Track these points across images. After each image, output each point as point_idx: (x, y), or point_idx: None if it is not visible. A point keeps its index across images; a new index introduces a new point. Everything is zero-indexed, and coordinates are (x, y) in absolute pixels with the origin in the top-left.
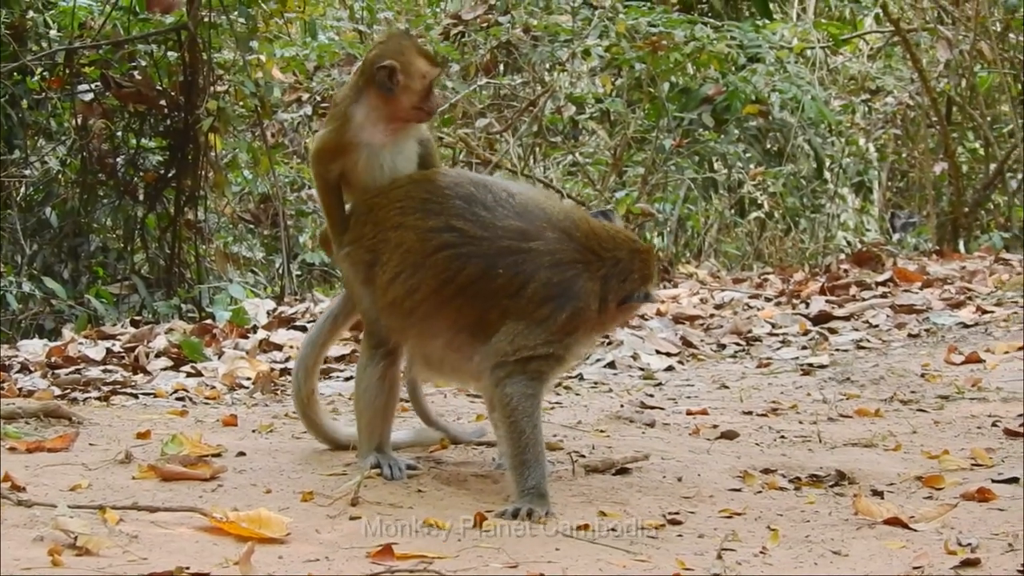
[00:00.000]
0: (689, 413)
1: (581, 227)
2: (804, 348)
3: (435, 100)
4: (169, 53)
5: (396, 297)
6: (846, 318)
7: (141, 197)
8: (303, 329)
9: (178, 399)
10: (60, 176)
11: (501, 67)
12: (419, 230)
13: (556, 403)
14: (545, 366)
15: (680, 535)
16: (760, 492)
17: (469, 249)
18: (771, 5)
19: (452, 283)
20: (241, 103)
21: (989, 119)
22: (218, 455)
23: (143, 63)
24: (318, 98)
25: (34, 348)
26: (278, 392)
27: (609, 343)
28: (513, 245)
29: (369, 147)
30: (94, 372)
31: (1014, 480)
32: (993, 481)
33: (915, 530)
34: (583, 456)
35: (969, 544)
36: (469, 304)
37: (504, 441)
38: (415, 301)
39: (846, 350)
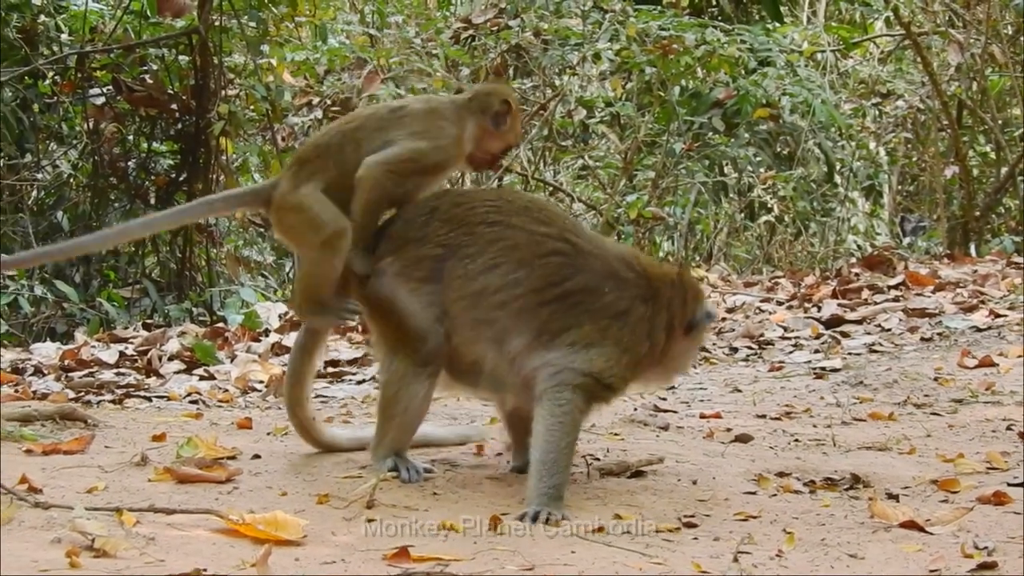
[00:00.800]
0: (703, 416)
1: (641, 261)
2: (816, 352)
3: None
4: (180, 57)
5: (488, 287)
6: (858, 322)
7: (152, 201)
8: None
9: (191, 402)
10: (71, 180)
11: (511, 71)
12: (530, 232)
13: None
14: (606, 393)
15: (695, 538)
16: (775, 495)
17: (580, 263)
18: (781, 9)
19: (557, 287)
20: (252, 107)
21: (1000, 123)
22: (233, 458)
23: (154, 67)
24: (328, 102)
25: (47, 351)
26: None
27: None
28: (615, 270)
29: (456, 171)
30: (107, 375)
31: None
32: (1009, 484)
33: (931, 533)
34: (597, 459)
35: (986, 547)
36: (566, 313)
37: (538, 442)
38: (512, 295)
39: (859, 354)
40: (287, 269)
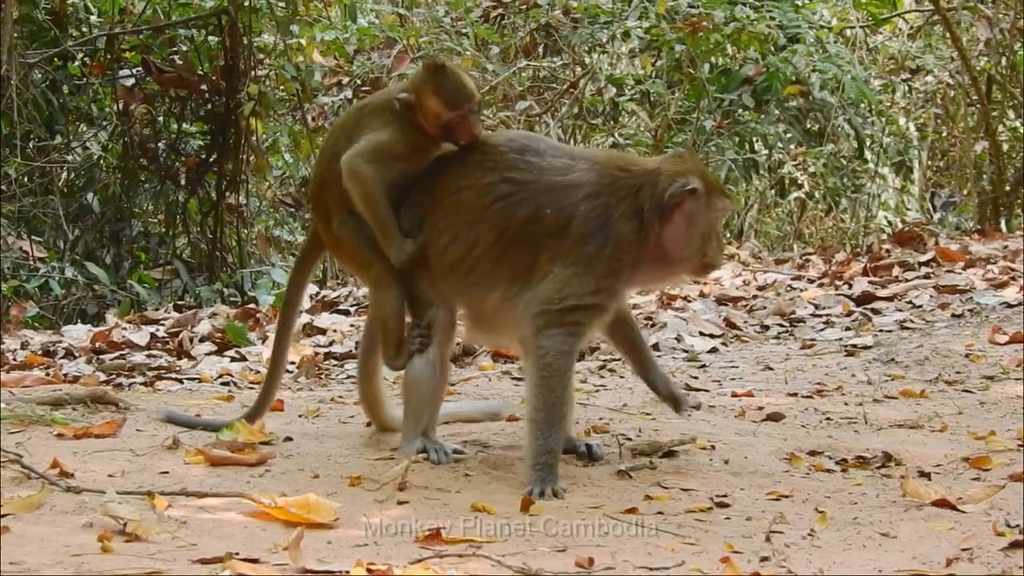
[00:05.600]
0: (734, 395)
1: (607, 155)
2: (848, 329)
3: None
4: (210, 38)
5: (456, 258)
6: (889, 299)
7: (183, 182)
8: (346, 313)
9: (223, 384)
10: (102, 161)
11: (541, 49)
12: (477, 188)
13: (601, 386)
14: (586, 317)
15: (728, 518)
16: (807, 474)
17: (521, 195)
18: None
19: (507, 232)
20: (282, 87)
21: None
22: (268, 442)
23: (184, 48)
24: (358, 81)
25: (78, 334)
26: (323, 376)
27: (652, 325)
28: (557, 181)
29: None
30: (139, 357)
31: None
32: None
33: (963, 512)
34: (629, 439)
35: (1017, 525)
36: (522, 251)
37: (530, 394)
38: (475, 257)
39: (890, 331)
40: None
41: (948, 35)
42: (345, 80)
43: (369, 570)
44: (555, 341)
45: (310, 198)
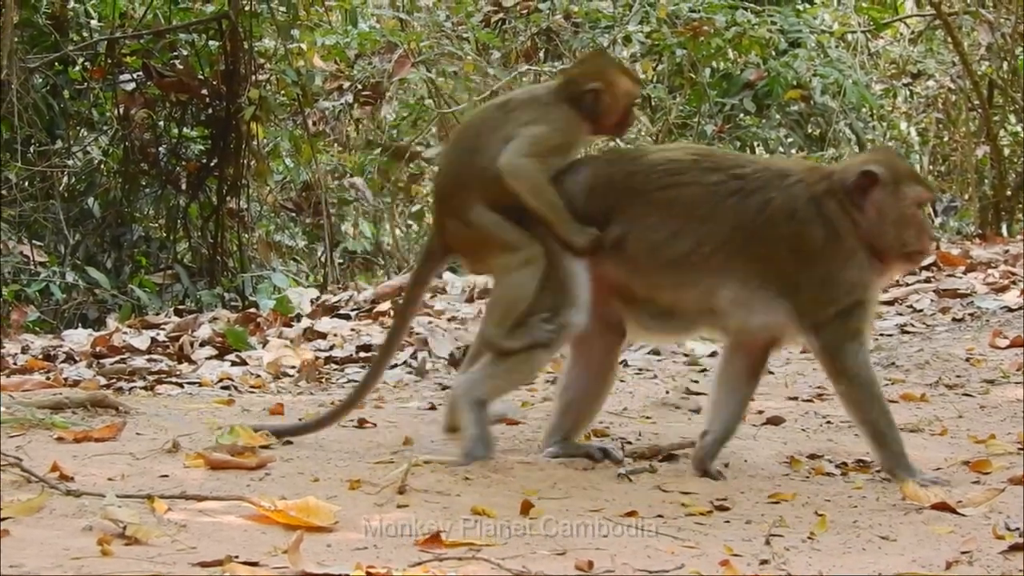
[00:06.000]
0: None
1: (804, 165)
2: None
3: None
4: (210, 42)
5: (681, 253)
6: (890, 302)
7: (183, 186)
8: (347, 317)
9: (223, 388)
10: (102, 166)
11: (542, 54)
12: (702, 184)
13: None
14: (860, 318)
15: (728, 521)
16: (807, 478)
17: (749, 188)
18: None
19: (742, 227)
20: (283, 92)
21: None
22: (267, 445)
23: (184, 52)
24: (359, 86)
25: (79, 338)
26: (323, 380)
27: None
28: (773, 172)
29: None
30: (139, 361)
31: None
32: None
33: (963, 515)
34: (629, 443)
35: (1017, 528)
36: (759, 246)
37: (855, 411)
38: (704, 254)
39: (891, 335)
40: (319, 254)
41: (949, 40)
42: (346, 85)
43: (368, 573)
44: (852, 357)
45: (439, 198)
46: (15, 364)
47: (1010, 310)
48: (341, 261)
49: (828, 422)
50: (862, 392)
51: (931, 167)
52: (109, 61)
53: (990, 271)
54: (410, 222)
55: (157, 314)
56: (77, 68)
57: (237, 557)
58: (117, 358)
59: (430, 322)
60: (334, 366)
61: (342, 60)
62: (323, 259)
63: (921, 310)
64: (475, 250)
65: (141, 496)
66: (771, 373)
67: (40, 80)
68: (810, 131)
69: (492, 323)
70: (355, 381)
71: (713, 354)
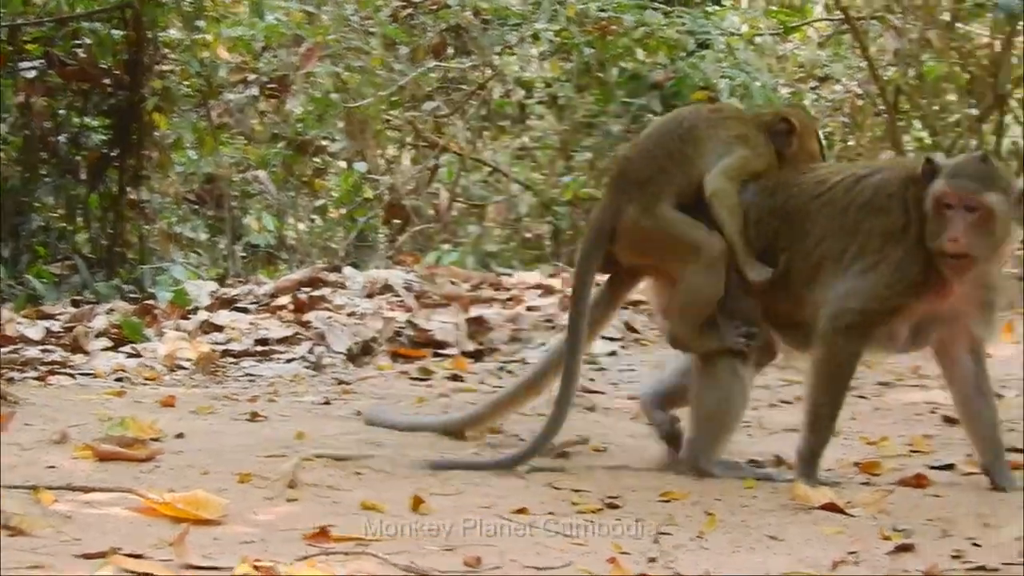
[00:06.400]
0: (630, 398)
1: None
2: None
3: None
4: (114, 31)
5: (825, 256)
6: None
7: (84, 176)
8: (245, 311)
9: (117, 380)
10: (2, 154)
11: (450, 50)
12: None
13: (498, 386)
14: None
15: (618, 519)
16: (699, 477)
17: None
18: None
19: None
20: (187, 82)
21: (936, 108)
22: (156, 438)
23: (87, 41)
24: (264, 79)
25: None
26: (218, 373)
27: (553, 327)
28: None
29: None
30: (32, 352)
31: (950, 467)
32: (930, 467)
33: (851, 515)
34: (523, 440)
35: (904, 530)
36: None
37: (812, 386)
38: (848, 259)
39: None
40: (220, 246)
41: (857, 44)
42: (251, 77)
43: (255, 567)
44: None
45: (629, 180)
46: None
47: None
48: (244, 255)
49: None
50: (831, 374)
51: None
52: (11, 48)
53: None
54: (314, 216)
55: (54, 304)
56: None
57: (121, 549)
58: (10, 348)
59: (328, 317)
60: (231, 359)
61: (248, 52)
62: (225, 252)
63: None
64: (649, 242)
65: (27, 487)
66: None
67: None
68: None
69: (681, 323)
70: (251, 375)
71: (612, 353)
